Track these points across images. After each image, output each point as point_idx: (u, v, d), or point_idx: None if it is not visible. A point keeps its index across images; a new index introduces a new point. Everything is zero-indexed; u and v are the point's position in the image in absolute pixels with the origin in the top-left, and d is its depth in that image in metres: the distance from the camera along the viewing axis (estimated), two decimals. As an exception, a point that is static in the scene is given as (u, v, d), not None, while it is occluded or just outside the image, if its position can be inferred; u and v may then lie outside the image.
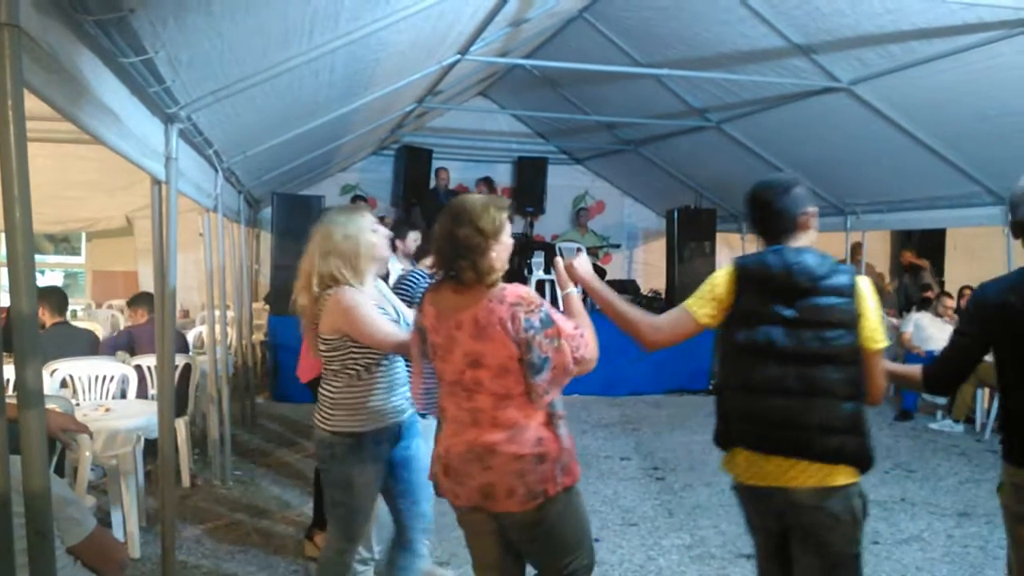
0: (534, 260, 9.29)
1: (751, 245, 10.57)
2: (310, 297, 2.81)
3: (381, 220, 4.33)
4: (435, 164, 10.74)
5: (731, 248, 10.07)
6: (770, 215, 2.44)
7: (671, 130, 8.84)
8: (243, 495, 5.12)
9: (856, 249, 9.28)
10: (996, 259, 6.20)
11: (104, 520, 4.01)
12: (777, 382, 2.32)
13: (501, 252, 2.33)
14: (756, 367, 2.35)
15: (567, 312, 2.48)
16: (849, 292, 2.32)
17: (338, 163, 10.06)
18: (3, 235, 5.95)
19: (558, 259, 2.65)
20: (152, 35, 2.35)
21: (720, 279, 2.44)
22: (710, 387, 8.67)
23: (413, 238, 4.53)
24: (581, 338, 2.31)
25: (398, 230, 4.71)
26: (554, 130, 11.23)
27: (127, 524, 4.08)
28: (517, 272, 9.41)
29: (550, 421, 2.34)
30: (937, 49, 5.04)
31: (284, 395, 7.98)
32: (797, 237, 2.42)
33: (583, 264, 2.57)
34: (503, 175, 11.49)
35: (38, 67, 1.80)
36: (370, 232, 2.87)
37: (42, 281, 9.52)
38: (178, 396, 4.77)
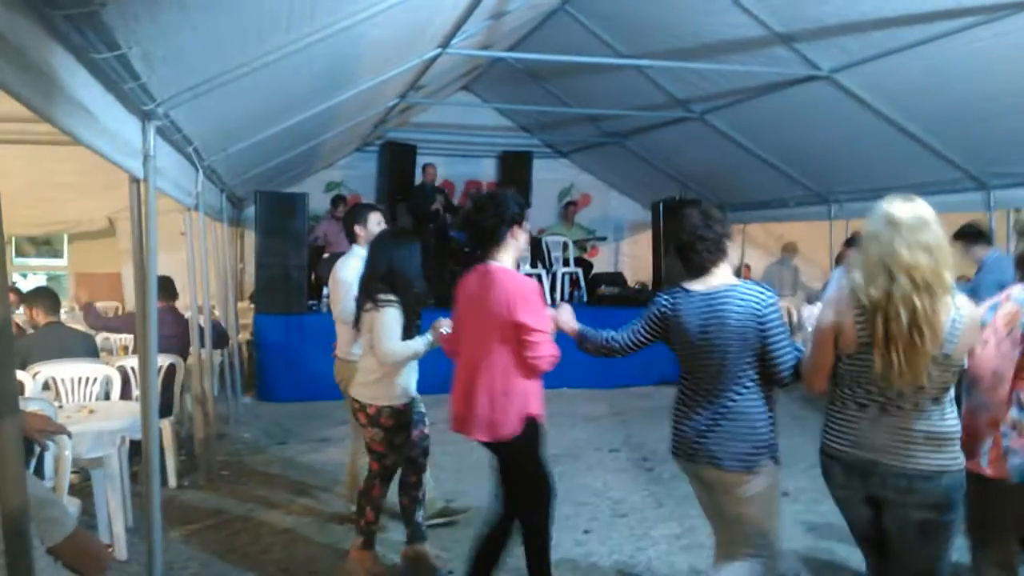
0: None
1: (735, 236, 10.60)
2: (938, 309, 2.26)
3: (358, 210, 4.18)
4: (419, 160, 10.71)
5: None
6: None
7: (655, 122, 8.84)
8: (230, 495, 5.09)
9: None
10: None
11: (90, 522, 3.97)
12: None
13: None
14: None
15: None
16: None
17: (322, 160, 10.00)
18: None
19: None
20: (125, 30, 2.31)
21: None
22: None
23: (376, 220, 4.28)
24: None
25: (358, 213, 4.40)
26: (538, 124, 11.23)
27: (113, 526, 4.04)
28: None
29: None
30: (917, 36, 5.06)
31: (269, 395, 7.95)
32: None
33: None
34: (488, 170, 11.47)
35: (5, 63, 1.76)
36: None
37: (25, 284, 9.42)
38: (163, 397, 4.73)
